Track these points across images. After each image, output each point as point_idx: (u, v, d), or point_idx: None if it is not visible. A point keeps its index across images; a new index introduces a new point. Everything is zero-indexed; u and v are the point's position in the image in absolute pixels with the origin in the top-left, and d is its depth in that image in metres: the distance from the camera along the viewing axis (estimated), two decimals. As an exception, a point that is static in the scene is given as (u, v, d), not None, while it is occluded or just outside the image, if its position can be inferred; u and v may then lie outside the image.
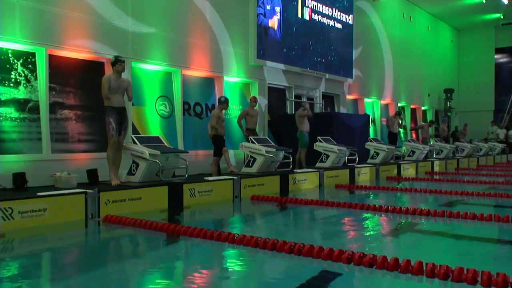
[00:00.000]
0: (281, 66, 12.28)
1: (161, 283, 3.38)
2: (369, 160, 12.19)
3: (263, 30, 11.65)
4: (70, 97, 7.92)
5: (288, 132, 12.11)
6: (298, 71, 12.89)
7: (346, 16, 15.03)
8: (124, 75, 6.96)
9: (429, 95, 21.47)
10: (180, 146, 9.48)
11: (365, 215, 6.05)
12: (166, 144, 7.52)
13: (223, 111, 9.01)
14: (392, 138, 14.43)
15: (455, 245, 4.60)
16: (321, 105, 14.06)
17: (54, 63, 7.68)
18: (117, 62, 6.64)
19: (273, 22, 12.03)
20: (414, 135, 19.03)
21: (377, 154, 12.04)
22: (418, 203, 7.35)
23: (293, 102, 13.10)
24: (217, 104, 9.38)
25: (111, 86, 6.59)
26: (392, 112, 17.37)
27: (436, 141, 16.67)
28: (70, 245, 4.81)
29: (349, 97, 15.56)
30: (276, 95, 12.64)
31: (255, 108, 10.38)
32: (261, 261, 3.91)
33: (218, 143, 8.82)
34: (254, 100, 10.40)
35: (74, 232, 5.27)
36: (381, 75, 17.62)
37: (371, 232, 5.26)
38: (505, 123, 23.92)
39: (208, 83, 10.64)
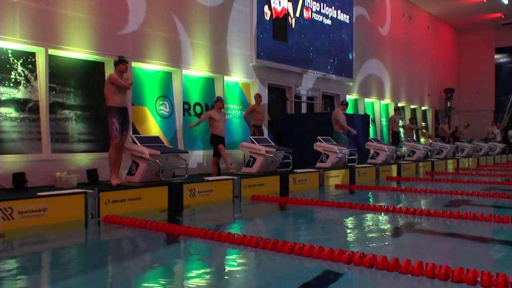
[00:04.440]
0: (281, 66, 12.28)
1: (161, 283, 3.38)
2: (369, 160, 12.18)
3: (263, 30, 11.66)
4: (70, 97, 7.92)
5: (288, 132, 12.11)
6: (298, 71, 12.89)
7: (346, 16, 15.03)
8: (124, 75, 6.96)
9: (429, 95, 21.48)
10: (180, 146, 9.48)
11: (365, 215, 6.05)
12: (166, 144, 7.52)
13: (222, 110, 9.01)
14: (395, 137, 14.40)
15: (455, 245, 4.59)
16: (321, 105, 14.07)
17: (54, 63, 7.68)
18: (121, 62, 6.61)
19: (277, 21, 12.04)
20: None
21: (377, 154, 12.04)
22: (418, 203, 7.34)
23: (293, 102, 13.10)
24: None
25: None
26: (392, 112, 17.39)
27: (436, 141, 16.67)
28: (70, 245, 4.80)
29: (349, 97, 15.56)
30: (276, 95, 12.64)
31: (261, 104, 10.51)
32: (261, 261, 3.91)
33: (215, 143, 8.83)
34: (259, 96, 10.51)
35: (74, 232, 5.26)
36: (381, 75, 17.62)
37: (371, 232, 5.25)
38: (505, 123, 23.92)
39: (208, 83, 10.64)
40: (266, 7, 11.77)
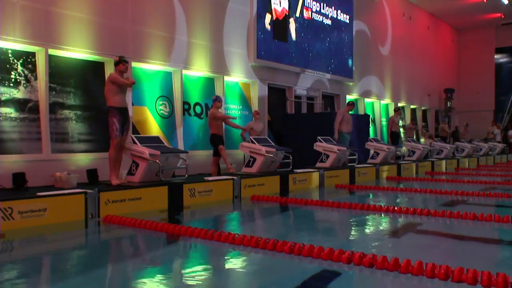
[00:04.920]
0: (281, 66, 12.28)
1: (161, 284, 3.38)
2: (369, 160, 12.18)
3: (263, 30, 11.66)
4: (70, 97, 7.92)
5: (288, 132, 12.12)
6: (298, 71, 12.89)
7: (346, 16, 15.03)
8: (124, 75, 6.96)
9: (429, 95, 21.49)
10: (180, 146, 9.48)
11: (365, 215, 6.05)
12: (166, 144, 7.52)
13: (219, 109, 8.97)
14: (394, 137, 14.40)
15: (455, 245, 4.60)
16: (321, 105, 14.07)
17: (54, 63, 7.68)
18: (121, 62, 6.61)
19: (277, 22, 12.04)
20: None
21: (377, 154, 12.04)
22: (418, 203, 7.34)
23: (293, 102, 13.10)
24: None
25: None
26: (392, 112, 17.37)
27: (436, 141, 16.66)
28: (70, 245, 4.80)
29: (349, 97, 15.57)
30: (276, 95, 12.64)
31: (259, 121, 10.37)
32: (261, 261, 3.91)
33: (214, 142, 8.81)
34: (257, 113, 10.40)
35: (74, 232, 5.26)
36: (381, 75, 17.62)
37: (371, 232, 5.25)
38: (505, 123, 23.92)
39: (208, 83, 10.64)
40: (267, 9, 11.76)
